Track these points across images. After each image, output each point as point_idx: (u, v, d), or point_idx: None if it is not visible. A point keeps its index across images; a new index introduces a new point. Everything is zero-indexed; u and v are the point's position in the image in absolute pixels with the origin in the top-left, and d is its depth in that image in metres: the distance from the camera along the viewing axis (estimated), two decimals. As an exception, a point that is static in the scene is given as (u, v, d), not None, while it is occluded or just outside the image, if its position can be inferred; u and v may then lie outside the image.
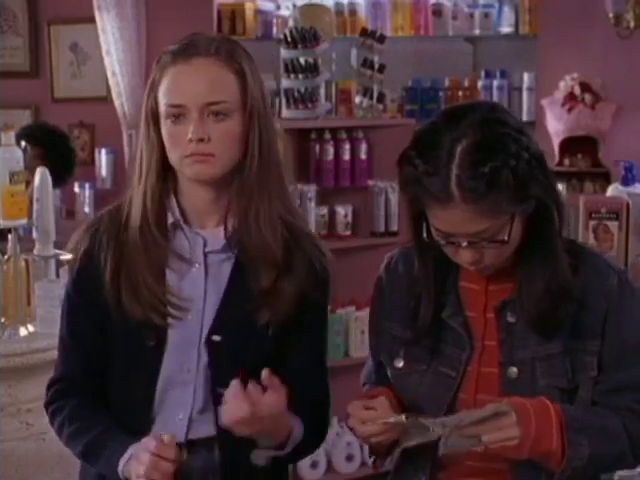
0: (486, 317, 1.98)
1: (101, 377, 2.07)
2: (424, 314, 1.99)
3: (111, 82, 6.15)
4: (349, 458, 4.84)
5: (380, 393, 1.99)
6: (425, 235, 1.92)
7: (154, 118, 2.02)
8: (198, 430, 2.02)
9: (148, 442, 1.91)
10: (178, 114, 1.97)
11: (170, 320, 2.01)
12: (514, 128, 1.87)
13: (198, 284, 2.04)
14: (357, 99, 5.08)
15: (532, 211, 1.89)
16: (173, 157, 2.00)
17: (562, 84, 5.99)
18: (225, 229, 2.04)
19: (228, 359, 2.01)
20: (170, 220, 2.04)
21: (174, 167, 2.02)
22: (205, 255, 2.04)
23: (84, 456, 2.05)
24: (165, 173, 2.04)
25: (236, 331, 2.01)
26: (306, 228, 2.16)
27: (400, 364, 2.03)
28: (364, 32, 5.19)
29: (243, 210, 2.02)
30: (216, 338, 2.01)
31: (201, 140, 1.96)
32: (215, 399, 2.00)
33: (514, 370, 1.94)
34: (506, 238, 1.87)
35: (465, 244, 1.88)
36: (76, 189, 5.95)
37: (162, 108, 1.99)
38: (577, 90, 5.92)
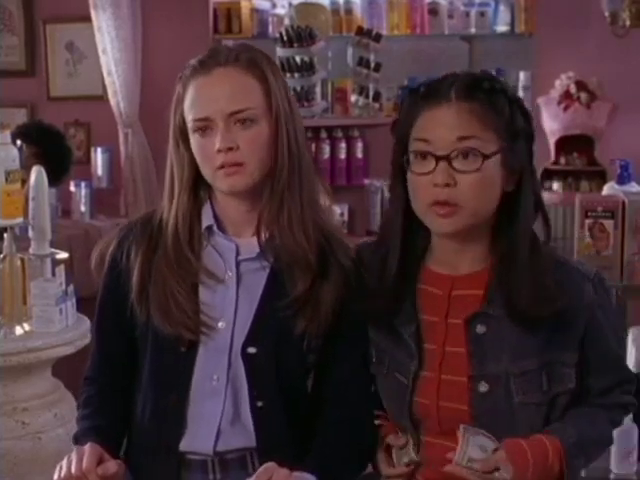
0: (447, 322, 1.94)
1: (121, 372, 2.08)
2: (391, 264, 1.98)
3: (107, 81, 6.13)
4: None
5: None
6: (404, 162, 1.91)
7: (183, 135, 2.01)
8: (227, 442, 1.99)
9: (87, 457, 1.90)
10: (205, 127, 1.96)
11: (201, 335, 1.99)
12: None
13: (230, 292, 2.01)
14: (353, 98, 5.09)
15: (511, 194, 1.90)
16: (205, 171, 1.99)
17: (558, 83, 5.99)
18: (258, 237, 2.00)
19: (265, 371, 1.98)
20: (204, 225, 2.02)
21: (208, 181, 2.01)
22: (237, 263, 2.02)
23: (74, 440, 2.07)
24: (198, 186, 2.02)
25: (272, 342, 1.98)
26: (340, 235, 2.11)
27: (372, 369, 2.03)
28: (360, 31, 5.20)
29: (275, 216, 1.99)
30: (252, 350, 1.98)
31: (230, 149, 1.94)
32: (254, 412, 1.97)
33: (484, 384, 1.91)
34: (487, 153, 1.85)
35: (443, 154, 1.85)
36: (72, 188, 5.93)
37: (189, 123, 1.98)
38: (573, 89, 5.91)
